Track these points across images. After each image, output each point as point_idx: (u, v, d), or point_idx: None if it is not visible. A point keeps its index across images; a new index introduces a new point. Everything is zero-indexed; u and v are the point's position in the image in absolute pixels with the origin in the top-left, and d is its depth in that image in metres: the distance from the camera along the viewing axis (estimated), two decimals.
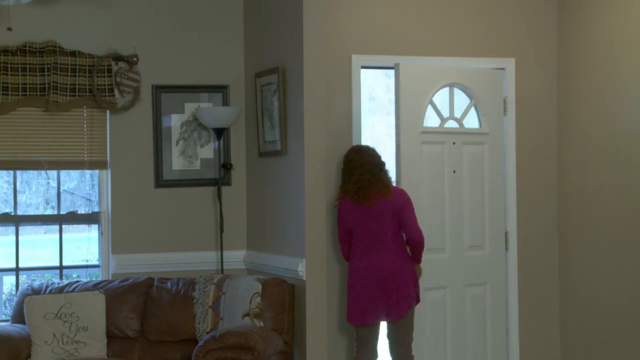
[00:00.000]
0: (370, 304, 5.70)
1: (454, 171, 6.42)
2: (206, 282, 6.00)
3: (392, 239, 5.71)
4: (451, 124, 6.50)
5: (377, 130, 9.86)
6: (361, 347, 5.79)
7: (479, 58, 6.62)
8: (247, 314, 5.80)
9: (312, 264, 5.82)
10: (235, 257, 6.61)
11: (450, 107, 6.50)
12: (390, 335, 5.80)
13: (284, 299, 5.85)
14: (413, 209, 5.77)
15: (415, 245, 5.76)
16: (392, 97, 6.38)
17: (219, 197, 6.46)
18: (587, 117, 6.40)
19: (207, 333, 5.80)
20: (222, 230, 6.46)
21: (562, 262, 6.32)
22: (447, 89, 6.48)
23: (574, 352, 6.52)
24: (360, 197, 5.72)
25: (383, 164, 5.82)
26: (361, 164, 5.75)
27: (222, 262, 6.46)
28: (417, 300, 5.81)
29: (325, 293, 5.90)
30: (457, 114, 6.52)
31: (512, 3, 6.70)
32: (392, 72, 6.30)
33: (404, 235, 5.79)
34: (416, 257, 5.82)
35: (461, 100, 6.55)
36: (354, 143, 6.28)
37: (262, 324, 5.77)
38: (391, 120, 9.50)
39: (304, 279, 5.82)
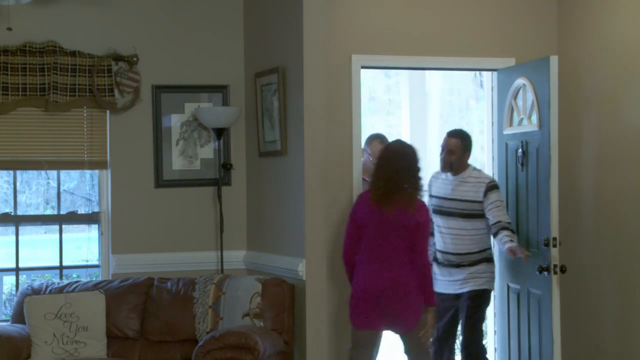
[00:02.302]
0: (374, 311, 5.42)
1: None
2: (206, 282, 6.00)
3: (405, 251, 5.41)
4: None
5: (377, 131, 9.85)
6: (355, 353, 5.53)
7: (479, 58, 6.62)
8: (247, 314, 5.80)
9: (312, 264, 5.81)
10: (235, 257, 6.61)
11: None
12: (405, 350, 5.57)
13: (284, 299, 5.85)
14: (427, 232, 5.53)
15: (422, 273, 5.41)
16: (392, 97, 6.38)
17: (219, 197, 6.46)
18: (587, 116, 6.40)
19: (207, 333, 5.80)
20: (222, 230, 6.46)
21: (561, 262, 6.26)
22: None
23: (574, 354, 6.51)
24: (382, 198, 5.42)
25: (419, 170, 5.51)
26: (398, 161, 5.47)
27: (222, 262, 6.46)
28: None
29: (326, 293, 5.90)
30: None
31: (512, 3, 6.69)
32: (392, 72, 6.32)
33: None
34: (428, 293, 5.44)
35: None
36: (354, 143, 6.27)
37: (262, 324, 5.77)
38: (391, 120, 9.51)
39: (304, 279, 5.82)
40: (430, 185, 6.11)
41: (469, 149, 6.05)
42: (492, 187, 5.92)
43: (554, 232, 5.79)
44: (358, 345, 5.51)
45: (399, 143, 5.66)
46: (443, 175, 6.08)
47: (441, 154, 6.06)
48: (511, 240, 5.77)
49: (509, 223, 5.90)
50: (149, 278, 6.17)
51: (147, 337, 6.01)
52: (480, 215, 5.93)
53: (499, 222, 5.86)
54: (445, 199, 6.02)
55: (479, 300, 5.97)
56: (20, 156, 6.29)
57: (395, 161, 5.47)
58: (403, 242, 5.40)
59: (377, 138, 6.63)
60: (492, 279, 6.06)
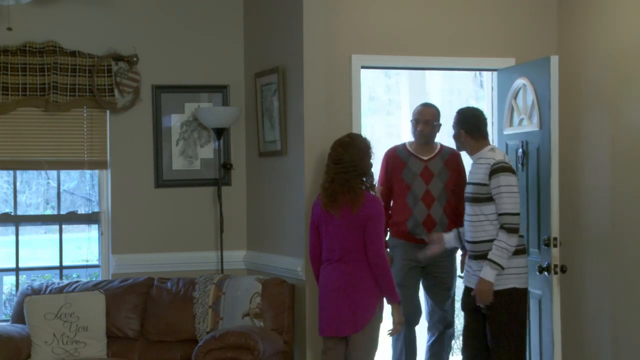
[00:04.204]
0: (330, 315, 5.23)
1: None
2: (206, 282, 6.00)
3: (358, 250, 5.18)
4: None
5: (377, 130, 9.86)
6: (324, 358, 5.34)
7: (479, 58, 6.62)
8: (247, 314, 5.80)
9: None
10: (235, 257, 6.61)
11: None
12: (346, 354, 5.26)
13: (284, 299, 5.85)
14: (380, 226, 5.19)
15: (376, 269, 5.14)
16: (392, 97, 6.35)
17: (219, 197, 6.46)
18: (587, 116, 6.40)
19: (207, 333, 5.80)
20: (222, 230, 6.46)
21: (561, 263, 6.28)
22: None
23: (574, 355, 6.51)
24: (328, 201, 5.23)
25: (367, 166, 5.25)
26: (343, 162, 5.20)
27: (222, 262, 6.46)
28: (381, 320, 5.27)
29: None
30: None
31: (512, 3, 6.70)
32: (392, 72, 6.29)
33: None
34: (386, 291, 5.19)
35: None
36: None
37: (262, 324, 5.77)
38: (391, 120, 9.51)
39: (304, 279, 5.82)
40: (467, 175, 5.66)
41: (463, 125, 5.52)
42: (495, 170, 5.33)
43: (555, 232, 5.78)
44: (325, 349, 5.35)
45: (347, 139, 5.33)
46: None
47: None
48: (490, 261, 5.25)
49: (510, 222, 5.26)
50: (149, 278, 6.17)
51: (147, 337, 6.00)
52: (487, 200, 5.38)
53: (501, 215, 5.31)
54: (467, 184, 5.57)
55: (500, 303, 5.36)
56: (20, 156, 6.29)
57: (343, 162, 5.22)
58: (354, 241, 5.18)
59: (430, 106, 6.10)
60: (516, 275, 5.36)
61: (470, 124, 5.53)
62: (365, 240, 5.18)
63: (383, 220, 5.25)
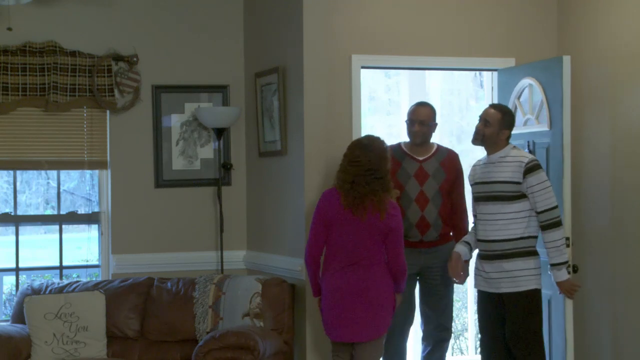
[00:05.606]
0: (346, 320, 5.15)
1: None
2: (206, 282, 6.00)
3: (375, 254, 5.17)
4: None
5: (377, 131, 9.87)
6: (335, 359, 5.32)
7: (479, 58, 6.62)
8: (247, 314, 5.81)
9: None
10: (235, 257, 6.61)
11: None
12: (356, 357, 5.23)
13: (284, 299, 5.85)
14: (401, 232, 5.22)
15: (399, 276, 5.22)
16: (392, 97, 6.34)
17: (219, 197, 6.47)
18: (586, 116, 6.40)
19: (207, 333, 5.80)
20: (222, 230, 6.47)
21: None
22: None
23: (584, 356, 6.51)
24: (352, 204, 5.15)
25: (386, 170, 5.19)
26: (360, 164, 5.15)
27: (222, 262, 6.46)
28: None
29: None
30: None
31: (512, 3, 6.70)
32: (392, 72, 6.28)
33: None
34: (398, 287, 5.29)
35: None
36: None
37: (262, 324, 5.77)
38: (391, 120, 9.51)
39: (304, 279, 5.82)
40: (472, 175, 5.60)
41: (510, 127, 5.47)
42: (532, 168, 5.32)
43: (567, 232, 5.74)
44: (336, 351, 5.32)
45: (366, 141, 5.27)
46: (483, 161, 5.54)
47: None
48: (555, 265, 5.36)
49: (550, 217, 5.31)
50: (149, 278, 6.17)
51: (147, 337, 6.01)
52: (513, 198, 5.35)
53: (539, 213, 5.33)
54: (480, 183, 5.48)
55: (522, 305, 5.38)
56: (20, 156, 6.29)
57: (363, 163, 5.16)
58: (377, 245, 5.17)
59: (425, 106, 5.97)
60: (535, 275, 5.40)
61: (512, 125, 5.52)
62: (387, 245, 5.19)
63: (402, 226, 5.27)
